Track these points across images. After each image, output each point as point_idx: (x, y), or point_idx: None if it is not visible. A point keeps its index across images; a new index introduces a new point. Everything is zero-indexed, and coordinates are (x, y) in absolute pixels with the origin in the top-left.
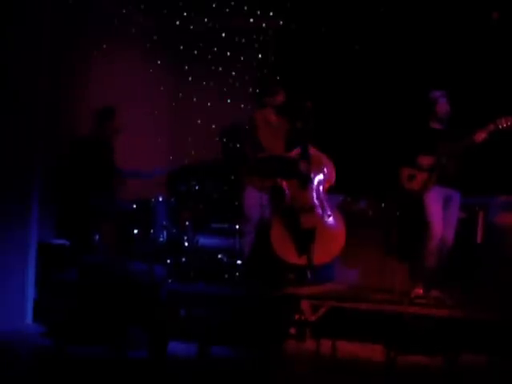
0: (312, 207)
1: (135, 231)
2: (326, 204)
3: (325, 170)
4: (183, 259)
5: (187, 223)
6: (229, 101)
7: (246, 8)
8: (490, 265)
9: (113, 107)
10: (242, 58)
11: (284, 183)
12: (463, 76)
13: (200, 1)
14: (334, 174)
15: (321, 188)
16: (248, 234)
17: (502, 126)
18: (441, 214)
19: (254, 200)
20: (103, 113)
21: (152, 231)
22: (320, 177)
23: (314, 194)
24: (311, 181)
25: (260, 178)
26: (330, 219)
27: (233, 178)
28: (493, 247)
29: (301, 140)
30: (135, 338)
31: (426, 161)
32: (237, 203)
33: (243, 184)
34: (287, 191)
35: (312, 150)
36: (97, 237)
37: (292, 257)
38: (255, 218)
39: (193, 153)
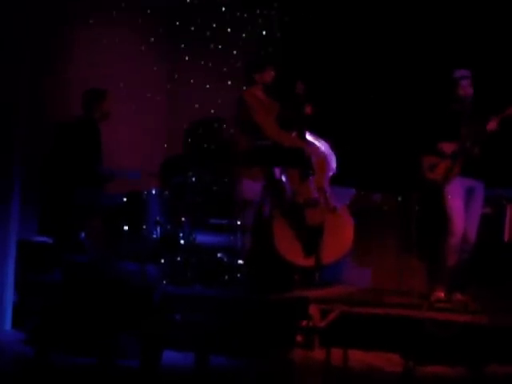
0: (316, 200)
1: (125, 227)
2: (330, 195)
3: (325, 157)
4: (179, 258)
5: (183, 219)
6: (229, 82)
7: None
8: None
9: (103, 89)
10: (243, 35)
11: (283, 176)
12: (489, 54)
13: None
14: (334, 162)
15: (324, 178)
16: (248, 227)
17: None
18: (462, 207)
19: (251, 186)
20: (93, 94)
21: (144, 227)
22: (321, 165)
23: (317, 185)
24: (313, 170)
25: (257, 169)
26: (337, 212)
27: (226, 168)
28: None
29: (296, 124)
30: (126, 346)
31: (447, 147)
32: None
33: (237, 175)
34: (287, 185)
35: (309, 136)
36: (83, 233)
37: (298, 258)
38: (254, 204)
39: (190, 140)
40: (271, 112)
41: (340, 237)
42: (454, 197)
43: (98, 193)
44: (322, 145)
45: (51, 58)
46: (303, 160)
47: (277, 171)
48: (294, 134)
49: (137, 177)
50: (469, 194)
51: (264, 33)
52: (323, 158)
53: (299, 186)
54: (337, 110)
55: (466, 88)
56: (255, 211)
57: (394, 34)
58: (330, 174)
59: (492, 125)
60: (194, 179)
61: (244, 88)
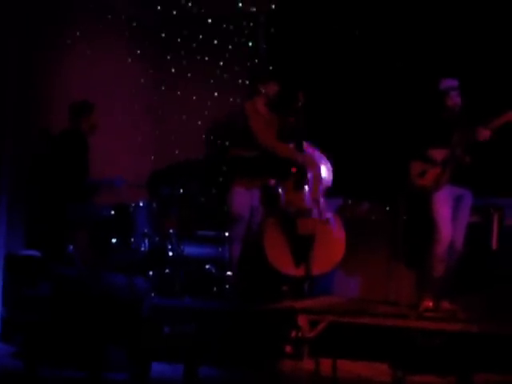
0: (309, 210)
1: (113, 240)
2: (323, 207)
3: (321, 168)
4: (167, 271)
5: (171, 231)
6: (216, 94)
7: None
8: (506, 274)
9: (91, 102)
10: (230, 47)
11: (277, 184)
12: (478, 62)
13: None
14: (331, 173)
15: (318, 189)
16: (237, 238)
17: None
18: (450, 216)
19: (244, 199)
20: (80, 107)
21: (132, 240)
22: (316, 176)
23: (311, 196)
24: (307, 180)
25: (250, 178)
26: (329, 224)
27: (220, 178)
28: (509, 254)
29: (294, 136)
30: (114, 359)
31: (438, 154)
32: (225, 207)
33: (231, 183)
34: (281, 193)
35: (307, 147)
36: (71, 246)
37: (288, 267)
38: (245, 219)
39: (177, 152)
40: (270, 125)
41: (331, 249)
42: (442, 205)
43: (89, 206)
44: (319, 157)
45: (38, 69)
46: (294, 170)
47: (271, 180)
48: (291, 145)
49: (120, 183)
50: (457, 202)
51: (250, 44)
52: (319, 169)
53: (293, 195)
54: (323, 119)
55: (454, 98)
56: (246, 221)
57: (381, 42)
58: (326, 186)
59: (485, 134)
60: (181, 191)
61: (231, 99)
